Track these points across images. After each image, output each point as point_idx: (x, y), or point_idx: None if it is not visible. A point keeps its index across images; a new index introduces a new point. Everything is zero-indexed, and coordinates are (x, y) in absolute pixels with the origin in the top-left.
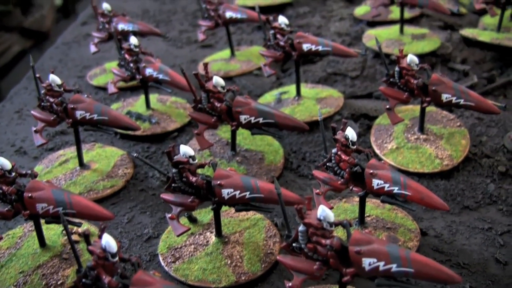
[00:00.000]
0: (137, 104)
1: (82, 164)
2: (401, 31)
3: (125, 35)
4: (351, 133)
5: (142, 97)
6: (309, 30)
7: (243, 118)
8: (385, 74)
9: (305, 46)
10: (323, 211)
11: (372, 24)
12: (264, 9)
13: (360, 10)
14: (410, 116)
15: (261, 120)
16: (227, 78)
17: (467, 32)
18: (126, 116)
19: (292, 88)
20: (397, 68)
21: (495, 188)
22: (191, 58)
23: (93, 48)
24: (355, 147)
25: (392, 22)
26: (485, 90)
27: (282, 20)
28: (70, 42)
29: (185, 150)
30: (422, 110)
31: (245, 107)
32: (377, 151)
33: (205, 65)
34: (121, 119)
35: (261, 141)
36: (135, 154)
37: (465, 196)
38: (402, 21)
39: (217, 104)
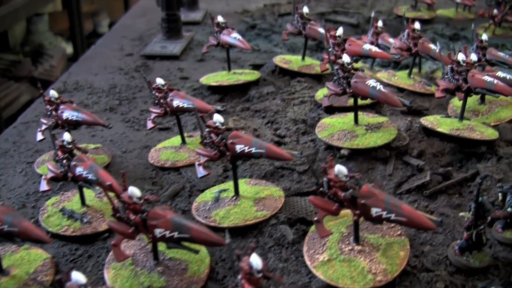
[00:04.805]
0: (75, 199)
1: (1, 270)
2: (356, 121)
3: (71, 124)
4: (256, 260)
5: None
6: (266, 115)
7: (158, 231)
8: (315, 183)
9: (238, 147)
10: None
11: (331, 110)
12: (230, 88)
13: (321, 93)
14: (348, 223)
15: (175, 234)
16: (174, 169)
17: (427, 121)
18: (37, 228)
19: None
20: (325, 179)
21: None
22: (145, 144)
23: (39, 136)
24: (260, 275)
25: (351, 108)
26: (439, 188)
27: (217, 118)
28: (29, 121)
29: (77, 278)
30: (355, 222)
31: (160, 219)
32: (308, 263)
33: (123, 174)
34: (31, 231)
35: None
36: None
37: None
38: (356, 112)
39: (132, 217)
